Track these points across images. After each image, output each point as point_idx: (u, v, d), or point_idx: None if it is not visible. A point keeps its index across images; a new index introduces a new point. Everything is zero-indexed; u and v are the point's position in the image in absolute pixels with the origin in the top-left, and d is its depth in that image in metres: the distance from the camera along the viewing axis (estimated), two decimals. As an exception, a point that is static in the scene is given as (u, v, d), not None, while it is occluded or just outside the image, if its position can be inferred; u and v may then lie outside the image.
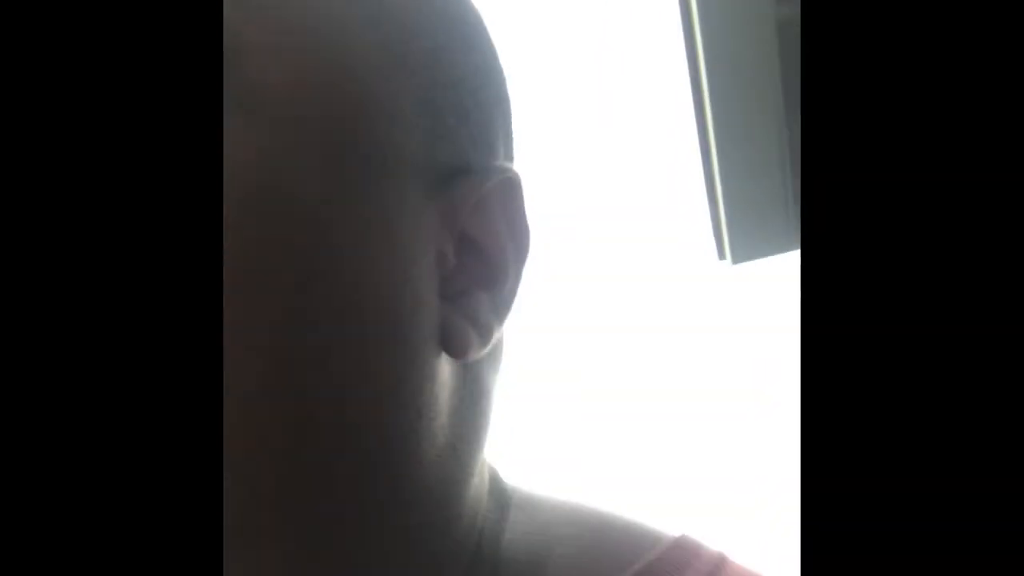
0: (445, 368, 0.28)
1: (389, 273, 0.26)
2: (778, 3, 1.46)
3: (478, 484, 0.32)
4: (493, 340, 0.28)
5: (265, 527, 0.26)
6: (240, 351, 0.24)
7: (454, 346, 0.27)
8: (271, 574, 0.26)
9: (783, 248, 1.84)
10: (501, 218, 0.29)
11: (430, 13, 0.28)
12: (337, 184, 0.25)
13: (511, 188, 0.29)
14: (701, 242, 1.87)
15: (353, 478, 0.26)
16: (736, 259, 1.84)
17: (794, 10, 1.48)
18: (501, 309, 0.29)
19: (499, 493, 0.33)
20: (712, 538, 0.33)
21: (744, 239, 1.80)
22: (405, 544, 0.29)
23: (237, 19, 0.24)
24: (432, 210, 0.27)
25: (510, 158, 0.32)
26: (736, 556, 0.32)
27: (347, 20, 0.26)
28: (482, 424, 0.31)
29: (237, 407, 0.24)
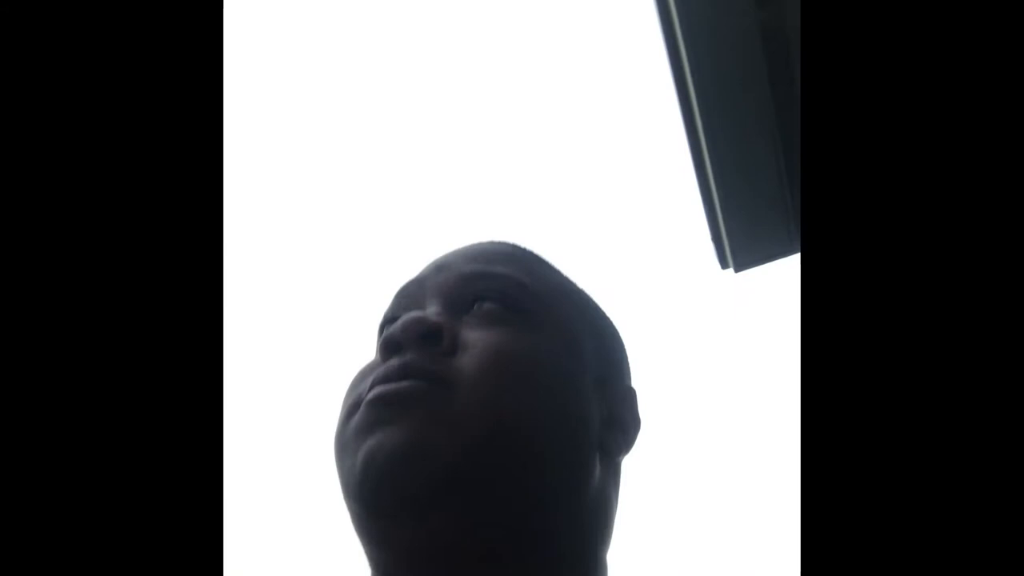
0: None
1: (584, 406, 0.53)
2: (759, 7, 1.46)
3: None
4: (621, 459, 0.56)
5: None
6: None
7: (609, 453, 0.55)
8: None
9: (785, 252, 1.83)
10: (627, 404, 0.58)
11: (602, 312, 0.61)
12: (570, 371, 0.53)
13: (632, 393, 0.59)
14: (702, 252, 1.86)
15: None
16: (739, 267, 1.83)
17: (775, 13, 1.48)
18: (625, 447, 0.56)
19: None
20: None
21: (745, 246, 1.79)
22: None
23: (522, 272, 0.56)
24: (596, 393, 0.55)
25: (630, 375, 0.61)
26: None
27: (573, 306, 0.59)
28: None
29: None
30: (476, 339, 0.49)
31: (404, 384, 0.47)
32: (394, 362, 0.48)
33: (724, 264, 1.84)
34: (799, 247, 1.85)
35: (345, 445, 0.48)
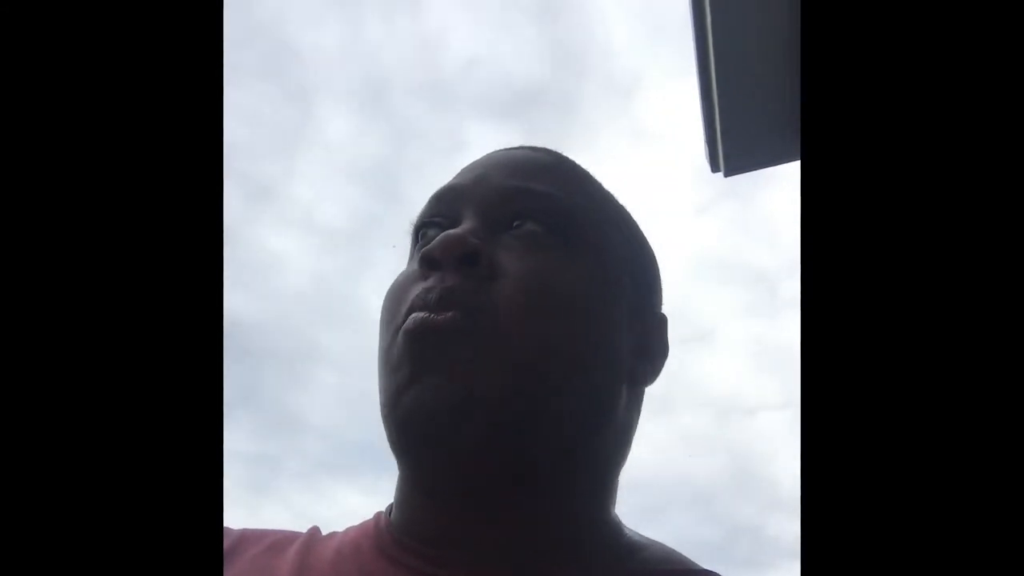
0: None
1: (616, 337, 0.54)
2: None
3: None
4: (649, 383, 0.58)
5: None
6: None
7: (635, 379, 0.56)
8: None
9: (777, 161, 1.82)
10: (657, 333, 0.58)
11: (641, 234, 0.61)
12: (607, 300, 0.53)
13: (662, 321, 0.59)
14: (694, 153, 1.85)
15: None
16: (729, 171, 1.82)
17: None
18: (652, 376, 0.57)
19: None
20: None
21: (738, 152, 1.77)
22: (606, 505, 0.54)
23: (563, 190, 0.54)
24: (629, 320, 0.55)
25: (661, 299, 0.61)
26: None
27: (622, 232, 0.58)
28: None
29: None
30: (515, 266, 0.49)
31: (445, 317, 0.46)
32: (433, 285, 0.48)
33: (715, 167, 1.84)
34: (792, 156, 1.84)
35: (389, 370, 0.48)
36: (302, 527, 0.57)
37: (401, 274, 0.54)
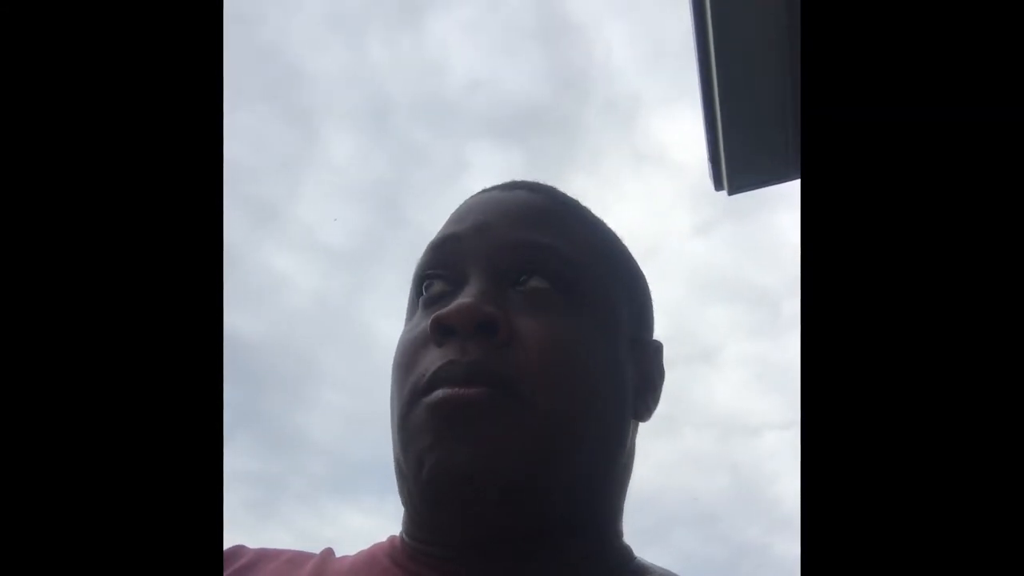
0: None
1: (623, 381, 0.56)
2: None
3: None
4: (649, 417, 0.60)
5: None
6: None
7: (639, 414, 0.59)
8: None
9: (781, 179, 1.82)
10: (655, 362, 0.61)
11: (634, 265, 0.63)
12: (614, 347, 0.56)
13: (657, 348, 0.62)
14: (698, 172, 1.85)
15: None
16: (733, 190, 1.82)
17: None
18: (653, 406, 0.60)
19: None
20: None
21: (742, 170, 1.78)
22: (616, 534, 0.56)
23: (564, 238, 0.56)
24: (631, 356, 0.58)
25: (654, 324, 0.64)
26: None
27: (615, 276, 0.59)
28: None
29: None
30: (532, 334, 0.51)
31: (472, 392, 0.48)
32: (456, 358, 0.49)
33: (719, 186, 1.84)
34: (794, 174, 1.85)
35: (410, 434, 0.50)
36: (306, 547, 0.59)
37: (410, 331, 0.54)
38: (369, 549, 0.56)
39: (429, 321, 0.51)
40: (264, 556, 0.57)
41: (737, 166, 1.78)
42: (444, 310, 0.50)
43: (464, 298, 0.51)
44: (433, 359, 0.50)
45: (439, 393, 0.49)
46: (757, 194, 1.87)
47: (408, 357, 0.52)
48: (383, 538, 0.57)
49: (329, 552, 0.58)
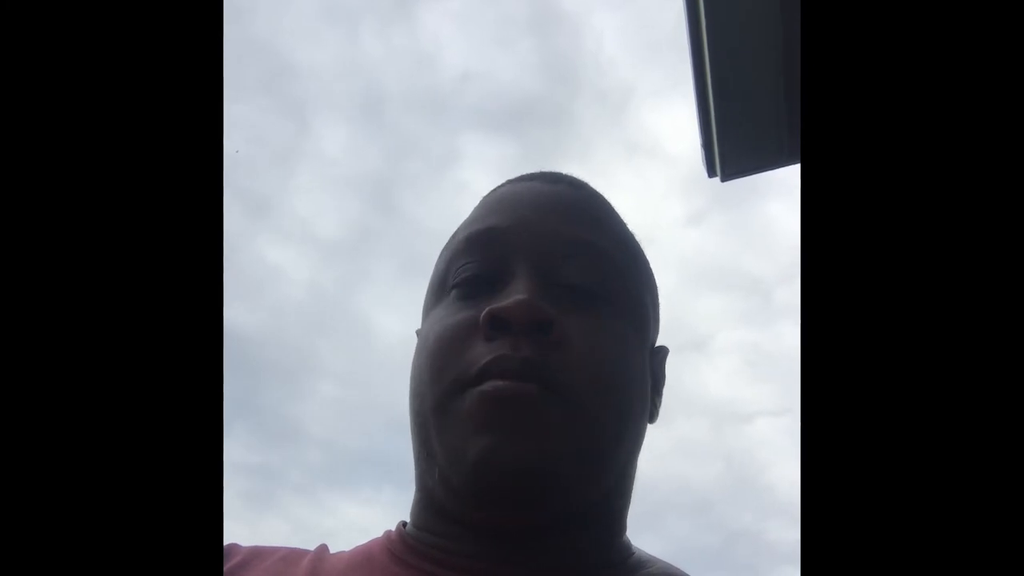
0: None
1: (647, 385, 0.58)
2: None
3: None
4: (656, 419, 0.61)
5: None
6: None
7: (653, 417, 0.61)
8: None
9: (773, 165, 1.82)
10: (661, 367, 0.63)
11: (652, 276, 0.63)
12: (643, 352, 0.57)
13: (665, 354, 0.64)
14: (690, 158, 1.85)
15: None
16: (726, 176, 1.82)
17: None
18: (659, 408, 0.62)
19: None
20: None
21: (735, 156, 1.78)
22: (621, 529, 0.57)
23: (603, 236, 0.58)
24: (650, 362, 0.60)
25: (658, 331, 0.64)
26: None
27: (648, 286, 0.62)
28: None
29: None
30: (581, 339, 0.52)
31: (526, 388, 0.49)
32: (508, 353, 0.50)
33: (712, 172, 1.84)
34: (788, 160, 1.85)
35: (451, 422, 0.50)
36: (303, 538, 0.59)
37: (445, 319, 0.54)
38: (365, 545, 0.57)
39: (483, 313, 0.51)
40: (258, 554, 0.57)
41: (730, 152, 1.78)
42: (500, 304, 0.50)
43: (519, 295, 0.51)
44: (483, 351, 0.50)
45: (492, 384, 0.49)
46: (748, 183, 1.87)
47: (449, 345, 0.52)
48: (380, 528, 0.57)
49: (324, 548, 0.58)
